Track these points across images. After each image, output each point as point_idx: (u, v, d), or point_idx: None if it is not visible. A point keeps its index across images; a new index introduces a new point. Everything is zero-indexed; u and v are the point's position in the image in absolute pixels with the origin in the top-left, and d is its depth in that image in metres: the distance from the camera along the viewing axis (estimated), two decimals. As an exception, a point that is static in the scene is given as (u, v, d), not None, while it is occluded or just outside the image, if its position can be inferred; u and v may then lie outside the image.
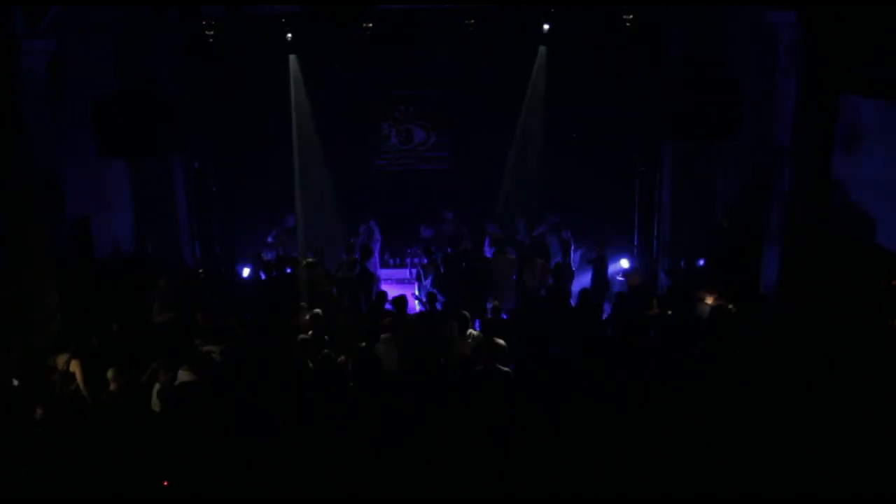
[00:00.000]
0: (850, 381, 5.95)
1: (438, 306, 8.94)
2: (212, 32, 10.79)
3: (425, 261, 10.51)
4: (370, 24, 10.73)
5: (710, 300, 8.11)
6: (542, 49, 12.34)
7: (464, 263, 10.00)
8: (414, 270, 11.63)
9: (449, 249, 10.83)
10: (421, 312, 8.52)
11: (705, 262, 10.19)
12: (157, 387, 6.46)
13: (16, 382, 6.38)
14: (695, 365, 6.93)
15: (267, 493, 5.21)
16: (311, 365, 6.87)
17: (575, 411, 5.86)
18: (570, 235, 11.64)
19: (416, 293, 10.48)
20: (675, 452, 5.28)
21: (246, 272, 10.77)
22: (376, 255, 11.58)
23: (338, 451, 5.51)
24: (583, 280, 10.58)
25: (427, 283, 10.22)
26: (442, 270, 10.00)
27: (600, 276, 10.33)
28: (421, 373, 6.75)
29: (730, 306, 7.87)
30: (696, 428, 5.56)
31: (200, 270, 11.38)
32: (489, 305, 8.68)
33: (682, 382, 6.37)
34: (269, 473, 5.29)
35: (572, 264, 11.25)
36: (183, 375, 6.46)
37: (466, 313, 8.00)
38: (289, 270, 10.11)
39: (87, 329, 7.73)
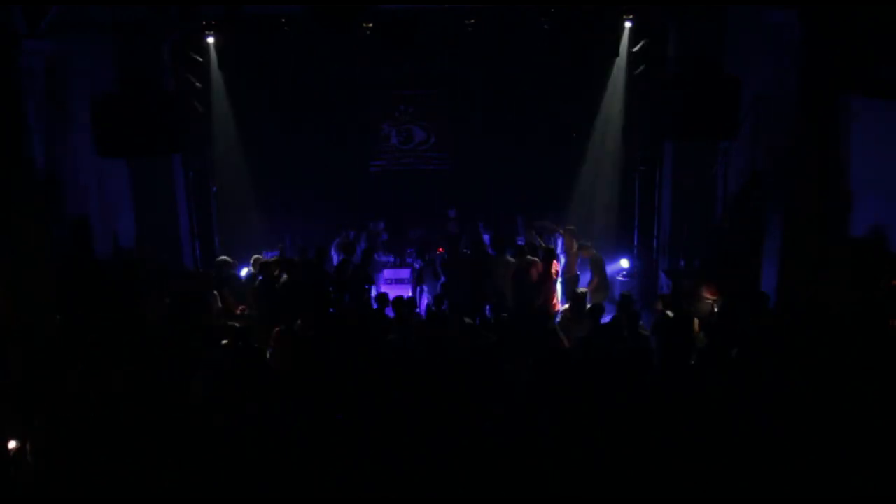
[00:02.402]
0: (851, 381, 5.95)
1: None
2: (212, 32, 10.80)
3: (420, 263, 10.45)
4: (370, 24, 10.73)
5: (709, 297, 8.11)
6: (541, 48, 12.34)
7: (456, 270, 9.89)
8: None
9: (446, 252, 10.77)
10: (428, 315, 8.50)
11: (702, 262, 10.20)
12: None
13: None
14: (696, 365, 6.94)
15: (272, 492, 5.22)
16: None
17: (577, 412, 5.87)
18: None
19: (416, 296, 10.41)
20: (677, 453, 5.29)
21: (244, 272, 10.76)
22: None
23: (341, 448, 5.51)
24: (583, 280, 10.55)
25: (426, 286, 10.19)
26: (442, 277, 9.96)
27: (601, 275, 10.29)
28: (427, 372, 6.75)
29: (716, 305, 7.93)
30: (698, 428, 5.56)
31: (200, 271, 11.40)
32: (488, 307, 8.65)
33: (685, 383, 6.38)
34: (275, 473, 5.29)
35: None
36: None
37: (468, 320, 8.01)
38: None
39: (87, 329, 7.74)
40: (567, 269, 10.51)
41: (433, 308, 8.84)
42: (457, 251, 10.25)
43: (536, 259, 9.42)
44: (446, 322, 7.78)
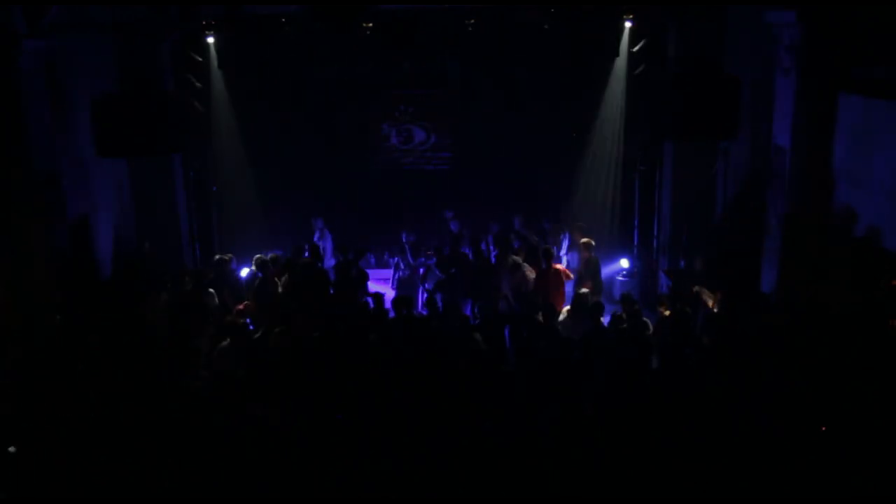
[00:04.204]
0: (851, 381, 5.95)
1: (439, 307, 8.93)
2: (212, 32, 10.80)
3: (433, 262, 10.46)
4: (370, 24, 10.73)
5: (710, 299, 8.13)
6: (541, 48, 12.33)
7: (454, 269, 9.90)
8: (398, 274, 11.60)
9: (446, 251, 10.78)
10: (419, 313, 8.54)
11: (702, 262, 10.20)
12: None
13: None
14: (696, 365, 6.93)
15: (272, 492, 5.21)
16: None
17: (575, 412, 5.87)
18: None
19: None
20: (677, 453, 5.29)
21: (244, 272, 10.77)
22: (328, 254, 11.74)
23: (341, 448, 5.51)
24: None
25: (428, 285, 10.21)
26: (438, 273, 9.99)
27: (595, 275, 10.25)
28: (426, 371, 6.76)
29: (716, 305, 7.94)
30: (698, 427, 5.56)
31: (200, 271, 11.39)
32: (477, 308, 8.68)
33: (685, 383, 6.38)
34: (275, 473, 5.29)
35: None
36: None
37: (467, 314, 8.03)
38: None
39: (87, 329, 7.74)
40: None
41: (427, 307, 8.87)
42: (456, 250, 10.27)
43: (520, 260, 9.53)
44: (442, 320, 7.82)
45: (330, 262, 11.16)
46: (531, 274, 9.57)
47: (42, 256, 8.08)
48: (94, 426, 5.87)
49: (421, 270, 10.72)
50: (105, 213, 10.30)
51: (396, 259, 11.54)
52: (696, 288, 8.45)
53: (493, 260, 10.16)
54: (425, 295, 10.19)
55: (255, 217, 12.90)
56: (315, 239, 11.67)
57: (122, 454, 5.45)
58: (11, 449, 5.70)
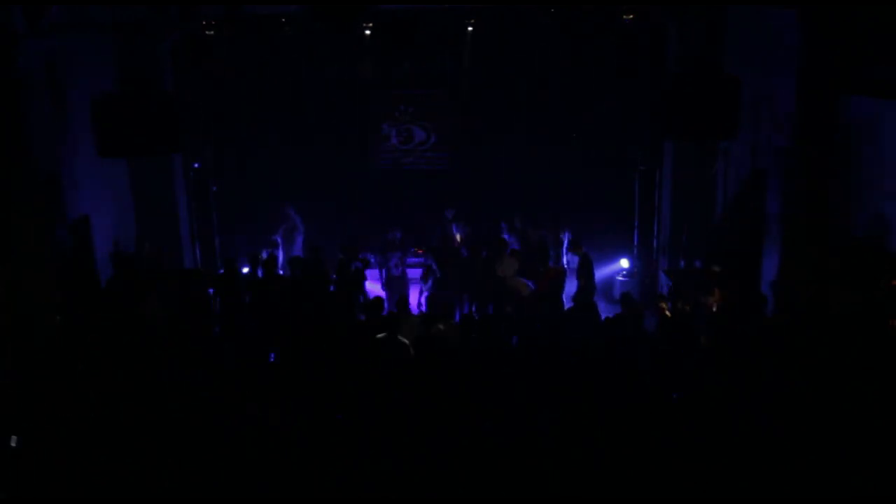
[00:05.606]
0: (851, 381, 5.95)
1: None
2: (212, 32, 10.81)
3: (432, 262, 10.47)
4: (370, 24, 10.74)
5: (714, 298, 8.12)
6: (541, 48, 12.34)
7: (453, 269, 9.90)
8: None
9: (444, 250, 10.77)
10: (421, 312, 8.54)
11: (702, 262, 10.19)
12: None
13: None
14: (696, 365, 6.93)
15: (272, 492, 5.21)
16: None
17: (575, 412, 5.87)
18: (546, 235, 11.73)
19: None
20: (677, 453, 5.29)
21: (244, 271, 10.78)
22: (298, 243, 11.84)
23: (341, 448, 5.52)
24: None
25: (428, 285, 10.22)
26: (437, 273, 9.99)
27: (587, 275, 10.25)
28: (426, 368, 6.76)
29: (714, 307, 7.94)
30: (698, 427, 5.56)
31: (200, 270, 11.41)
32: (466, 308, 8.69)
33: (685, 383, 6.38)
34: (275, 473, 5.29)
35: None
36: None
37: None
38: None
39: (87, 329, 7.74)
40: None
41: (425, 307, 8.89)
42: (452, 250, 10.28)
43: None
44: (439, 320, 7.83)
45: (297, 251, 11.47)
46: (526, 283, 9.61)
47: (42, 256, 8.08)
48: (94, 426, 5.87)
49: (418, 270, 10.73)
50: (105, 212, 10.31)
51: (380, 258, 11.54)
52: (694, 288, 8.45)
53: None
54: (423, 294, 10.21)
55: (255, 217, 12.91)
56: (280, 235, 11.94)
57: (122, 454, 5.45)
58: (12, 440, 5.71)
